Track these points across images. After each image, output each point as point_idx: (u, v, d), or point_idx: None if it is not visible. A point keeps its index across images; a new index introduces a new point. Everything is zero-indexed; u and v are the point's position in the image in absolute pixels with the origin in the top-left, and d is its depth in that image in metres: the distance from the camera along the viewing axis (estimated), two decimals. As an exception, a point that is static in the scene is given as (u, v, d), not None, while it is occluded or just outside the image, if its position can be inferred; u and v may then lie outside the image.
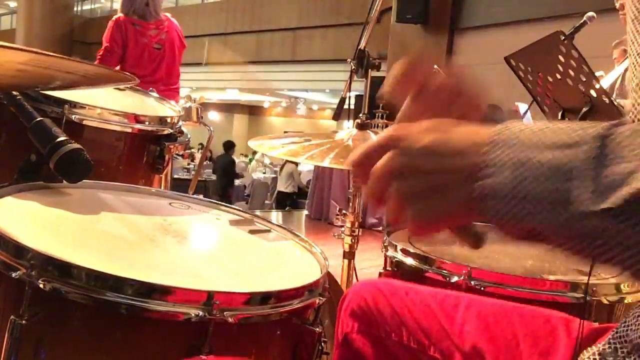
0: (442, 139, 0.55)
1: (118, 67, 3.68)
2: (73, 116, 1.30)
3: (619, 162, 0.46)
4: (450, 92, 0.65)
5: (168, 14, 3.98)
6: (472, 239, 0.60)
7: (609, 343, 0.69)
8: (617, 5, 2.68)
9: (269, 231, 1.12)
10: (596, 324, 1.00)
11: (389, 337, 0.97)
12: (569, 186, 0.47)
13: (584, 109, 1.96)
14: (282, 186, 10.69)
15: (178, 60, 3.99)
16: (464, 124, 0.56)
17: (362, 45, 1.65)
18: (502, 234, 0.53)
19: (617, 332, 0.69)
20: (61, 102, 1.29)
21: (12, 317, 0.70)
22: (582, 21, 2.65)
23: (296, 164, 10.15)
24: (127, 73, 1.08)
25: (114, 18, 3.78)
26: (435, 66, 0.72)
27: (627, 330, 0.68)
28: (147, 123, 1.47)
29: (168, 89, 3.78)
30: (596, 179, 0.46)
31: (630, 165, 0.45)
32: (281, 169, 10.89)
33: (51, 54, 0.78)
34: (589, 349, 0.72)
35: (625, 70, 3.07)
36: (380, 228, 5.65)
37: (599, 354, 0.70)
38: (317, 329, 0.84)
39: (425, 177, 0.54)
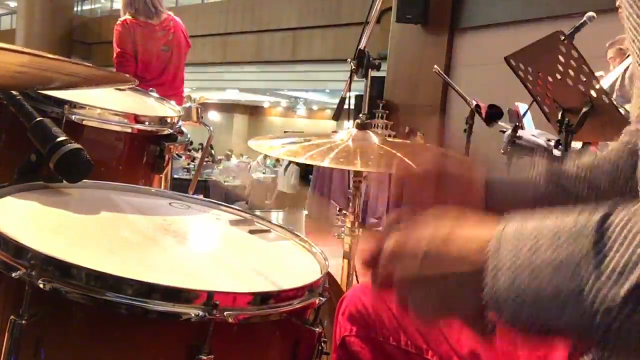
0: (443, 243, 0.56)
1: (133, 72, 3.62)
2: (73, 116, 1.30)
3: (622, 252, 0.46)
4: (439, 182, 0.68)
5: (171, 13, 3.91)
6: (482, 328, 0.59)
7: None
8: (617, 3, 2.68)
9: (269, 231, 1.12)
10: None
11: (387, 341, 0.97)
12: (579, 281, 0.47)
13: (584, 109, 1.96)
14: (283, 187, 10.70)
15: (183, 61, 3.92)
16: (462, 220, 0.58)
17: (362, 45, 1.65)
18: (516, 336, 0.54)
19: None
20: (61, 102, 1.29)
21: (12, 317, 0.70)
22: (582, 21, 2.65)
23: (298, 164, 10.17)
24: (127, 75, 1.08)
25: (119, 21, 3.71)
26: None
27: None
28: (147, 123, 1.47)
29: (174, 94, 3.72)
30: (605, 271, 0.46)
31: (633, 257, 0.45)
32: (285, 169, 10.90)
33: (50, 55, 0.78)
34: (586, 356, 0.72)
35: (625, 70, 3.08)
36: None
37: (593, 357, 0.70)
38: (317, 329, 0.84)
39: (432, 285, 0.56)
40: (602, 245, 0.47)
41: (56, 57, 0.79)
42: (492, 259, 0.52)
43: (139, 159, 1.50)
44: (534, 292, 0.49)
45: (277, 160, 13.44)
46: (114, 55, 3.67)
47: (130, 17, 3.69)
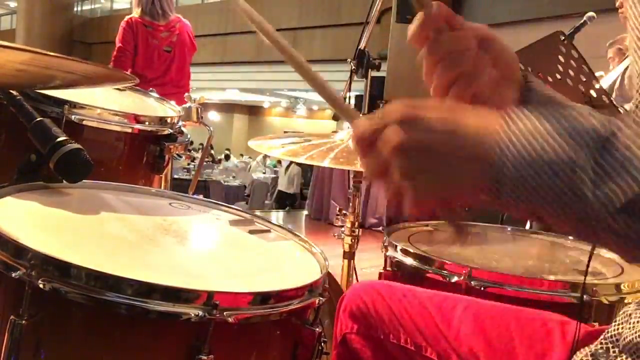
0: (453, 120, 0.55)
1: (130, 70, 3.65)
2: (73, 116, 1.30)
3: (619, 157, 0.48)
4: (476, 46, 0.65)
5: (180, 15, 3.93)
6: (457, 227, 0.60)
7: (601, 343, 0.70)
8: (617, 3, 2.69)
9: (269, 231, 1.12)
10: (596, 325, 1.00)
11: (387, 338, 0.97)
12: (575, 180, 0.49)
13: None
14: (284, 187, 10.70)
15: (188, 62, 3.95)
16: (474, 109, 0.57)
17: (362, 45, 1.65)
18: (507, 212, 0.55)
19: (608, 332, 0.69)
20: (61, 102, 1.29)
21: (12, 317, 0.70)
22: (582, 21, 2.65)
23: (300, 165, 10.17)
24: (128, 73, 1.08)
25: (126, 18, 3.74)
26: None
27: (618, 329, 0.68)
28: (147, 123, 1.47)
29: (178, 92, 3.74)
30: (598, 175, 0.49)
31: (630, 162, 0.48)
32: (286, 169, 10.90)
33: (51, 53, 0.78)
34: (582, 349, 0.73)
35: (625, 70, 3.08)
36: (380, 228, 5.65)
37: (592, 355, 0.70)
38: (317, 329, 0.84)
39: (434, 154, 0.54)
40: (609, 151, 0.49)
41: (56, 54, 0.79)
42: (502, 144, 0.52)
43: (139, 159, 1.50)
44: (534, 184, 0.51)
45: (279, 161, 13.45)
46: (115, 53, 3.70)
47: (136, 16, 3.72)
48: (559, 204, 0.50)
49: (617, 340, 0.68)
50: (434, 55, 0.66)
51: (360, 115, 0.63)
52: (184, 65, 3.91)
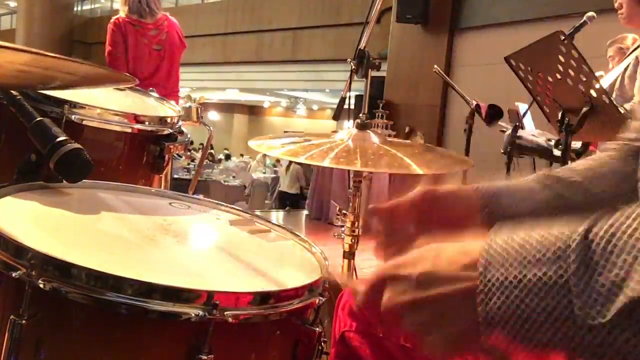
0: (433, 267, 0.56)
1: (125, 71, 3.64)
2: (73, 116, 1.30)
3: (608, 271, 0.46)
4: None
5: (167, 13, 3.92)
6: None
7: None
8: (616, 4, 2.69)
9: (269, 231, 1.12)
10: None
11: (386, 336, 0.97)
12: (569, 299, 0.47)
13: (584, 109, 1.96)
14: (286, 187, 10.69)
15: (177, 61, 3.91)
16: (450, 246, 0.57)
17: (362, 45, 1.65)
18: (515, 356, 0.53)
19: None
20: (61, 102, 1.29)
21: (12, 317, 0.70)
22: (582, 21, 2.65)
23: (301, 165, 10.17)
24: (128, 74, 1.08)
25: (113, 19, 3.72)
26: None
27: None
28: (147, 123, 1.47)
29: (168, 93, 3.72)
30: (593, 290, 0.47)
31: (621, 273, 0.46)
32: (287, 169, 10.89)
33: (51, 54, 0.78)
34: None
35: (625, 69, 3.07)
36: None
37: None
38: (317, 329, 0.84)
39: (427, 309, 0.55)
40: (587, 261, 0.47)
41: (57, 55, 0.79)
42: (482, 277, 0.52)
43: (139, 159, 1.50)
44: (526, 312, 0.50)
45: (278, 160, 13.44)
46: (106, 54, 3.69)
47: (123, 16, 3.70)
48: (558, 331, 0.48)
49: None
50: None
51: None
52: (173, 63, 3.87)
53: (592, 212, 0.50)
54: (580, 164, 0.87)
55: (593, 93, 1.93)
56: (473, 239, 0.57)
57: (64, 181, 1.04)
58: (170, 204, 1.17)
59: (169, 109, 1.73)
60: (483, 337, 0.53)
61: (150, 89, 1.84)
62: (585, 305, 0.46)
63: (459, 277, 0.54)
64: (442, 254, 0.57)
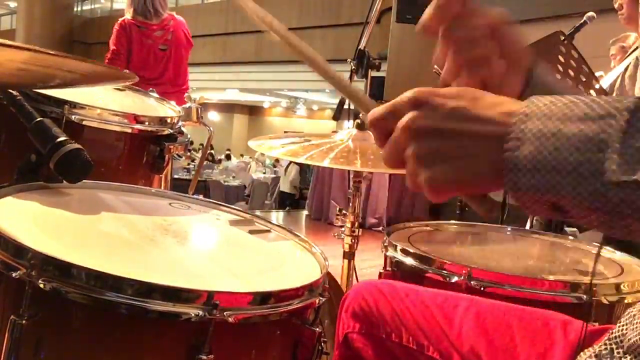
0: (470, 104, 0.54)
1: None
2: (73, 116, 1.30)
3: None
4: (489, 34, 0.64)
5: (173, 13, 3.94)
6: (485, 205, 0.59)
7: (605, 344, 0.69)
8: (616, 5, 2.69)
9: (269, 231, 1.12)
10: (596, 324, 1.00)
11: (389, 337, 0.97)
12: (600, 157, 0.47)
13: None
14: (286, 187, 10.69)
15: (185, 59, 3.94)
16: (490, 94, 0.56)
17: (362, 45, 1.66)
18: (523, 207, 0.53)
19: (613, 333, 0.69)
20: (61, 102, 1.29)
21: (12, 317, 0.70)
22: (582, 21, 2.65)
23: (300, 165, 10.18)
24: (127, 72, 1.08)
25: (119, 21, 3.75)
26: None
27: (622, 330, 0.68)
28: (147, 123, 1.47)
29: (177, 90, 3.75)
30: (628, 151, 0.46)
31: None
32: (286, 169, 10.89)
33: (51, 52, 0.78)
34: (586, 350, 0.73)
35: (625, 69, 3.07)
36: (380, 228, 5.65)
37: (596, 356, 0.70)
38: (317, 329, 0.84)
39: (450, 139, 0.54)
40: (630, 126, 0.47)
41: (57, 53, 0.79)
42: (519, 124, 0.51)
43: (139, 159, 1.50)
44: (554, 163, 0.49)
45: (277, 160, 13.44)
46: (108, 51, 3.71)
47: (129, 17, 3.72)
48: (583, 185, 0.48)
49: (621, 341, 0.68)
50: (447, 40, 0.66)
51: (376, 103, 0.63)
52: (181, 63, 3.90)
53: None
54: None
55: (593, 93, 1.93)
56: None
57: (64, 181, 1.04)
58: (170, 204, 1.17)
59: (169, 109, 1.73)
60: (499, 182, 0.52)
61: (150, 89, 1.84)
62: (622, 161, 0.46)
63: (494, 119, 0.53)
64: (482, 97, 0.55)
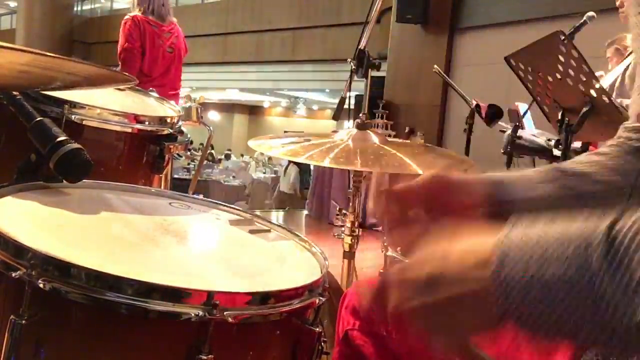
0: (441, 267, 0.54)
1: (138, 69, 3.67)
2: (73, 116, 1.30)
3: (634, 269, 0.44)
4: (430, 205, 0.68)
5: (174, 19, 4.01)
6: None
7: None
8: (618, 2, 2.69)
9: (269, 231, 1.12)
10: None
11: (390, 335, 0.97)
12: (593, 300, 0.45)
13: (584, 109, 1.96)
14: (286, 187, 10.68)
15: (181, 64, 4.03)
16: (456, 243, 0.55)
17: (362, 45, 1.65)
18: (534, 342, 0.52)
19: None
20: (61, 102, 1.29)
21: (12, 317, 0.70)
22: (582, 21, 2.65)
23: (299, 165, 10.17)
24: (128, 74, 1.08)
25: (129, 17, 3.74)
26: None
27: None
28: (147, 123, 1.47)
29: (175, 94, 3.79)
30: (624, 289, 0.44)
31: None
32: (285, 170, 10.89)
33: (52, 54, 0.78)
34: (591, 349, 0.72)
35: (625, 70, 3.07)
36: (381, 228, 5.64)
37: (602, 355, 0.70)
38: (317, 329, 0.84)
39: (438, 311, 0.54)
40: (613, 256, 0.45)
41: (58, 55, 0.79)
42: (497, 274, 0.50)
43: (139, 159, 1.50)
44: (550, 307, 0.47)
45: (269, 158, 13.43)
46: (120, 50, 3.70)
47: (140, 15, 3.73)
48: (577, 321, 0.46)
49: None
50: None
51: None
52: (180, 67, 3.99)
53: (603, 201, 0.49)
54: (583, 158, 0.86)
55: (593, 93, 1.93)
56: (479, 233, 0.54)
57: (64, 181, 1.04)
58: (170, 204, 1.17)
59: (169, 109, 1.73)
60: (495, 333, 0.52)
61: (150, 89, 1.84)
62: (617, 304, 0.44)
63: (470, 277, 0.52)
64: (450, 253, 0.55)
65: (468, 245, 0.54)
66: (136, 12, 3.77)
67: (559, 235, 0.49)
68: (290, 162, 9.84)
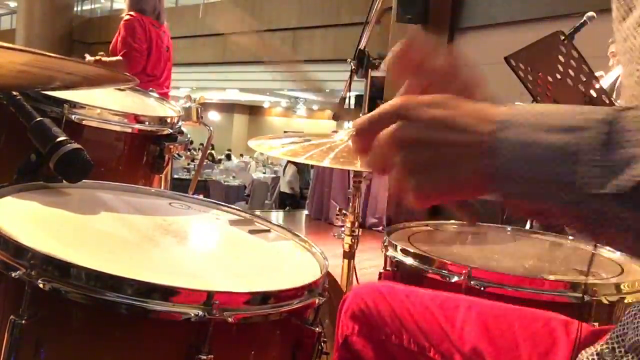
0: (450, 113, 0.55)
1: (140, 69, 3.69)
2: (73, 116, 1.30)
3: (624, 147, 0.46)
4: (448, 75, 0.65)
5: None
6: (469, 213, 0.60)
7: (607, 343, 0.70)
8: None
9: (269, 231, 1.12)
10: (596, 325, 1.00)
11: (389, 339, 0.97)
12: (575, 169, 0.48)
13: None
14: (286, 187, 10.67)
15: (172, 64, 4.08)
16: (471, 101, 0.56)
17: (362, 45, 1.65)
18: (511, 209, 0.54)
19: (614, 332, 0.69)
20: (61, 102, 1.29)
21: (11, 317, 0.70)
22: (582, 21, 2.65)
23: (298, 165, 10.16)
24: (128, 75, 1.08)
25: (129, 17, 3.72)
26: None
27: (623, 329, 0.68)
28: (147, 123, 1.47)
29: (165, 92, 3.82)
30: (602, 162, 0.47)
31: (636, 150, 0.46)
32: (284, 170, 10.88)
33: (52, 54, 0.78)
34: (587, 349, 0.73)
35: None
36: (380, 228, 5.65)
37: (597, 354, 0.70)
38: (317, 329, 0.84)
39: (432, 149, 0.54)
40: (606, 134, 0.47)
41: (57, 55, 0.79)
42: (497, 132, 0.51)
43: (139, 159, 1.50)
44: (531, 174, 0.50)
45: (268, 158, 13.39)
46: (123, 49, 3.68)
47: (139, 14, 3.74)
48: (559, 196, 0.49)
49: (623, 340, 0.68)
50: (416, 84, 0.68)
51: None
52: (171, 67, 4.02)
53: None
54: None
55: (593, 93, 1.93)
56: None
57: (64, 181, 1.04)
58: (170, 204, 1.17)
59: (169, 109, 1.73)
60: (483, 189, 0.53)
61: (150, 89, 1.84)
62: (589, 176, 0.47)
63: (473, 128, 0.53)
64: (462, 105, 0.56)
65: (482, 104, 0.55)
66: (130, 12, 3.77)
67: (565, 110, 0.50)
68: (288, 161, 9.83)
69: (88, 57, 3.65)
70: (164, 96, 3.41)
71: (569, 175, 0.48)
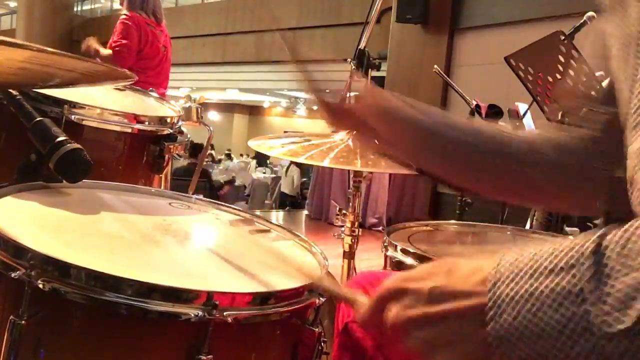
0: (445, 281, 0.55)
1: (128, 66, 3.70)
2: (73, 116, 1.30)
3: (624, 274, 0.45)
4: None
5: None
6: None
7: None
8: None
9: (269, 231, 1.12)
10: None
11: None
12: (585, 309, 0.46)
13: (584, 109, 1.96)
14: (287, 188, 10.68)
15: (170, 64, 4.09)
16: (464, 263, 0.57)
17: (362, 45, 1.66)
18: None
19: None
20: (61, 102, 1.29)
21: (11, 317, 0.70)
22: (582, 21, 2.65)
23: (299, 166, 10.16)
24: (127, 71, 1.08)
25: (126, 16, 3.76)
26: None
27: None
28: (147, 123, 1.47)
29: (162, 93, 3.82)
30: (609, 296, 0.45)
31: (637, 275, 0.44)
32: (286, 170, 10.88)
33: (52, 50, 0.78)
34: None
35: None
36: (380, 228, 5.65)
37: None
38: (317, 329, 0.84)
39: (438, 325, 0.54)
40: (601, 269, 0.46)
41: (57, 51, 0.79)
42: (491, 292, 0.51)
43: (139, 159, 1.50)
44: (539, 326, 0.48)
45: (268, 158, 13.38)
46: (114, 44, 3.72)
47: (136, 14, 3.76)
48: (577, 348, 0.46)
49: None
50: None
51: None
52: (169, 67, 4.04)
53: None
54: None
55: (593, 93, 1.93)
56: (481, 256, 0.56)
57: (64, 181, 1.04)
58: (170, 204, 1.17)
59: (169, 109, 1.73)
60: (492, 356, 0.51)
61: (150, 89, 1.84)
62: (602, 312, 0.45)
63: (471, 292, 0.53)
64: (455, 269, 0.56)
65: (473, 264, 0.56)
66: (133, 12, 3.79)
67: (551, 250, 0.50)
68: (291, 162, 9.82)
69: (93, 40, 3.73)
70: (164, 95, 3.42)
71: (582, 317, 0.46)
